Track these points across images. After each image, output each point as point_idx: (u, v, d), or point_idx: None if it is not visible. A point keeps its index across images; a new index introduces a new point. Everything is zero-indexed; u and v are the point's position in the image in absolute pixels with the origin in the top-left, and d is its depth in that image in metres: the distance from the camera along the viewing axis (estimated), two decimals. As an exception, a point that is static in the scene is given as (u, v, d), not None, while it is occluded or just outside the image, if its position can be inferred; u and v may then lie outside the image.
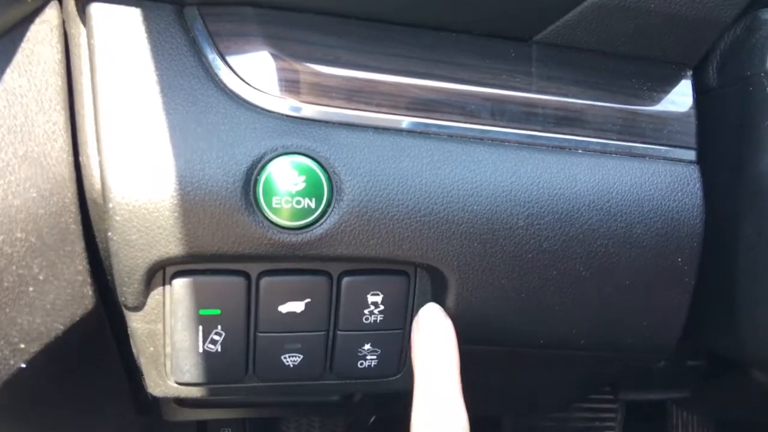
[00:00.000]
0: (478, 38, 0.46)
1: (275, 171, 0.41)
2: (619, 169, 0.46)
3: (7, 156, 0.37)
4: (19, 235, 0.38)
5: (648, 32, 0.45)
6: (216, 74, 0.42)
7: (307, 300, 0.46)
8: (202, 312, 0.45)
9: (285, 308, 0.46)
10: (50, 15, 0.41)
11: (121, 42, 0.40)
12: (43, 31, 0.41)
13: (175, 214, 0.40)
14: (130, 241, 0.40)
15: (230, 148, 0.40)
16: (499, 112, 0.45)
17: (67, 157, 0.41)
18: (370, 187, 0.42)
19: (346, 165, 0.42)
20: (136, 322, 0.45)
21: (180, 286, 0.44)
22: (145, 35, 0.41)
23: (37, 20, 0.40)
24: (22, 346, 0.40)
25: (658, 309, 0.48)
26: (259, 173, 0.41)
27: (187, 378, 0.47)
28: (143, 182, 0.39)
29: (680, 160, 0.47)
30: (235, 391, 0.50)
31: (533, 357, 0.53)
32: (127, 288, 0.43)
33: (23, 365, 0.40)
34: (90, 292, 0.45)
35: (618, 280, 0.47)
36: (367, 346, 0.48)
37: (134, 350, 0.49)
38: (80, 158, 0.42)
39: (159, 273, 0.44)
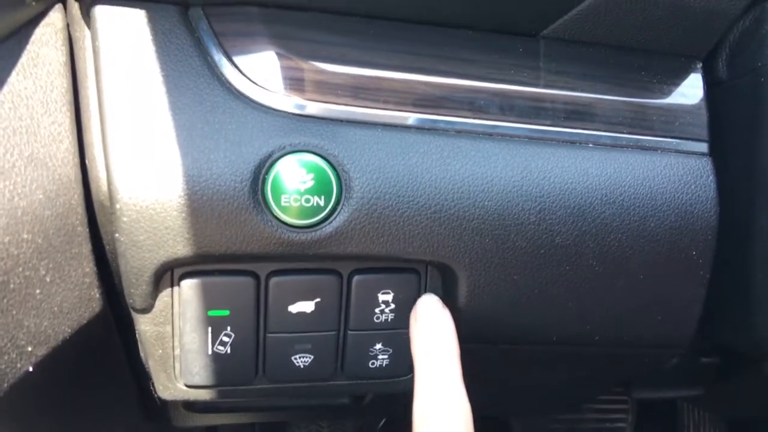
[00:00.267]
0: (485, 34, 0.46)
1: (283, 169, 0.40)
2: (630, 162, 0.46)
3: (12, 157, 0.37)
4: (25, 236, 0.37)
5: (656, 25, 0.45)
6: (222, 74, 0.41)
7: (317, 300, 0.45)
8: (211, 313, 0.44)
9: (295, 308, 0.45)
10: (54, 18, 0.41)
11: (125, 44, 0.40)
12: (48, 33, 0.40)
13: (183, 214, 0.40)
14: (138, 242, 0.40)
15: (237, 147, 0.40)
16: (507, 107, 0.45)
17: (72, 158, 0.41)
18: (379, 184, 0.42)
19: (355, 162, 0.41)
20: (144, 324, 0.45)
21: (188, 287, 0.43)
22: (150, 36, 0.41)
23: (42, 23, 0.40)
24: (29, 349, 0.40)
25: (672, 303, 0.48)
26: (267, 172, 0.40)
27: (197, 380, 0.47)
28: (150, 183, 0.39)
29: (692, 153, 0.47)
30: (245, 393, 0.50)
31: (545, 355, 0.52)
32: (134, 290, 0.42)
33: (30, 369, 0.40)
34: (97, 295, 0.45)
35: (632, 274, 0.46)
36: (378, 346, 0.48)
37: (142, 353, 0.48)
38: (86, 159, 0.42)
39: (167, 274, 0.43)
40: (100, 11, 0.40)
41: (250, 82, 0.41)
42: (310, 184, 0.41)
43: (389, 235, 0.42)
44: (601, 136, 0.46)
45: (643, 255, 0.46)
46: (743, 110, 0.47)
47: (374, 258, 0.44)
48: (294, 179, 0.41)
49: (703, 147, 0.47)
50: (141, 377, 0.57)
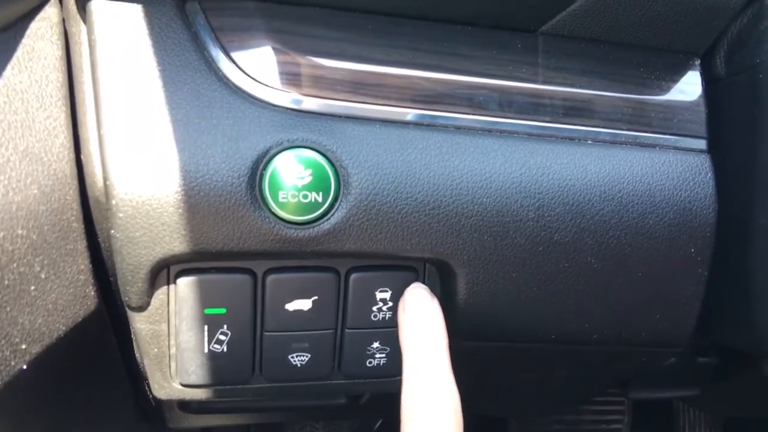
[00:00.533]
0: (483, 30, 0.45)
1: (281, 165, 0.40)
2: (629, 159, 0.45)
3: (7, 152, 0.36)
4: (20, 232, 0.37)
5: (655, 21, 0.45)
6: (219, 69, 0.41)
7: (315, 297, 0.45)
8: (208, 311, 0.44)
9: (292, 306, 0.45)
10: (50, 12, 0.41)
11: (122, 38, 0.40)
12: (43, 27, 0.40)
13: (180, 211, 0.39)
14: (134, 239, 0.40)
15: (235, 142, 0.40)
16: (506, 103, 0.44)
17: (68, 153, 0.41)
18: (378, 181, 0.41)
19: (354, 158, 0.41)
20: (139, 322, 0.45)
21: (185, 284, 0.43)
22: (147, 31, 0.40)
23: (37, 17, 0.40)
24: (24, 346, 0.39)
25: (671, 301, 0.48)
26: (264, 167, 0.40)
27: (193, 379, 0.47)
28: (146, 178, 0.39)
29: (691, 150, 0.47)
30: (242, 392, 0.49)
31: (543, 353, 0.52)
32: (130, 287, 0.42)
33: (24, 366, 0.40)
34: (92, 292, 0.44)
35: (630, 272, 0.46)
36: (375, 344, 0.48)
37: (137, 352, 0.48)
38: (81, 155, 0.41)
39: (163, 272, 0.43)
40: (95, 5, 0.40)
41: (248, 77, 0.41)
42: (308, 180, 0.40)
43: (387, 232, 0.42)
44: (599, 132, 0.46)
45: (641, 252, 0.46)
46: (742, 107, 0.47)
47: (372, 255, 0.43)
48: (292, 175, 0.40)
49: (702, 144, 0.47)
50: (136, 376, 0.57)
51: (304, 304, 0.45)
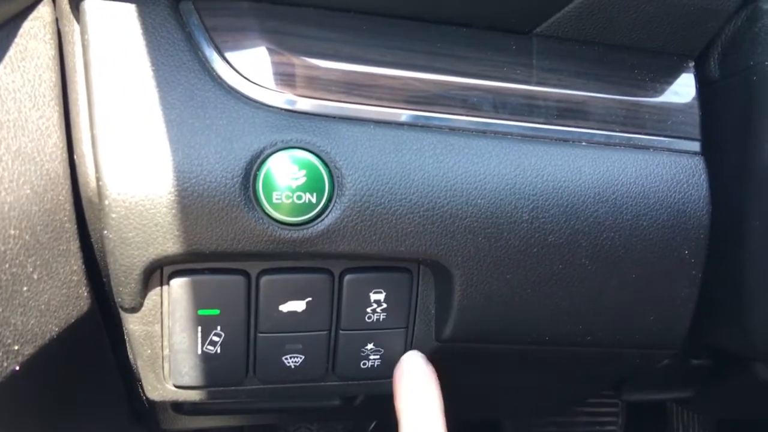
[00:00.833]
0: (478, 31, 0.46)
1: (275, 166, 0.40)
2: (623, 160, 0.45)
3: None
4: (12, 232, 0.37)
5: (649, 23, 0.45)
6: (213, 69, 0.41)
7: (309, 299, 0.45)
8: (201, 312, 0.44)
9: (286, 307, 0.45)
10: (43, 12, 0.41)
11: (115, 38, 0.40)
12: (36, 27, 0.40)
13: (173, 211, 0.39)
14: (127, 240, 0.39)
15: (228, 143, 0.40)
16: (501, 104, 0.44)
17: (61, 153, 0.40)
18: (372, 182, 0.41)
19: (348, 159, 0.41)
20: (132, 323, 0.44)
21: (178, 285, 0.43)
22: (140, 31, 0.40)
23: (30, 17, 0.40)
24: (16, 347, 0.39)
25: (665, 302, 0.48)
26: (258, 168, 0.40)
27: (186, 381, 0.46)
28: (140, 179, 0.39)
29: (685, 152, 0.47)
30: (236, 394, 0.49)
31: (538, 356, 0.52)
32: (123, 288, 0.42)
33: (16, 368, 0.39)
34: (85, 293, 0.44)
35: (624, 273, 0.46)
36: (369, 346, 0.48)
37: (131, 353, 0.48)
38: (74, 155, 0.41)
39: (156, 273, 0.43)
40: (89, 5, 0.39)
41: (242, 78, 0.41)
42: (302, 180, 0.40)
43: (381, 233, 0.42)
44: (593, 134, 0.46)
45: (635, 254, 0.46)
46: (735, 109, 0.47)
47: (366, 257, 0.43)
48: (285, 176, 0.40)
49: (696, 146, 0.47)
50: (129, 378, 0.56)
51: (298, 306, 0.45)
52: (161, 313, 0.44)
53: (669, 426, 1.14)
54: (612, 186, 0.45)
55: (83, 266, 0.43)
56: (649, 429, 1.16)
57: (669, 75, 0.48)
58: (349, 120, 0.42)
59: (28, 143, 0.38)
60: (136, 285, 0.41)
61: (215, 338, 0.45)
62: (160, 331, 0.45)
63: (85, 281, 0.44)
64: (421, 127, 0.43)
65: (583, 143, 0.46)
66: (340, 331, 0.47)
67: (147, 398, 0.49)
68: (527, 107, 0.45)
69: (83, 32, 0.40)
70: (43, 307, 0.40)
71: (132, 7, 0.40)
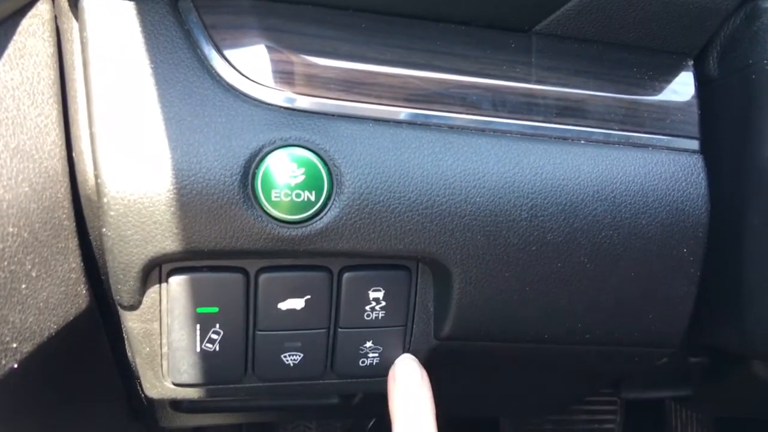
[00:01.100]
0: (477, 29, 0.45)
1: (274, 163, 0.40)
2: (622, 159, 0.45)
3: None
4: (11, 230, 0.37)
5: (648, 21, 0.45)
6: (212, 66, 0.41)
7: (307, 297, 0.45)
8: (200, 310, 0.44)
9: (285, 305, 0.45)
10: (42, 9, 0.40)
11: (114, 35, 0.39)
12: (35, 24, 0.40)
13: (172, 209, 0.39)
14: (125, 237, 0.39)
15: (227, 140, 0.40)
16: (500, 102, 0.44)
17: (59, 151, 0.40)
18: (371, 180, 0.41)
19: (346, 157, 0.41)
20: (131, 321, 0.44)
21: (177, 283, 0.43)
22: (139, 28, 0.40)
23: (29, 14, 0.40)
24: (14, 345, 0.39)
25: (663, 301, 0.48)
26: (257, 166, 0.40)
27: (185, 378, 0.46)
28: (138, 176, 0.38)
29: (683, 150, 0.47)
30: (234, 392, 0.49)
31: (536, 354, 0.52)
32: (122, 286, 0.41)
33: (15, 365, 0.39)
34: (84, 291, 0.44)
35: (623, 272, 0.46)
36: (368, 344, 0.48)
37: (129, 351, 0.48)
38: (73, 153, 0.41)
39: (155, 270, 0.43)
40: (88, 2, 0.39)
41: (241, 75, 0.41)
42: (301, 178, 0.40)
43: (380, 231, 0.42)
44: (593, 132, 0.46)
45: (634, 252, 0.46)
46: (734, 108, 0.47)
47: (365, 254, 0.43)
48: (284, 174, 0.40)
49: (694, 144, 0.47)
50: (128, 375, 0.56)
51: (297, 303, 0.45)
52: (160, 310, 0.44)
53: (667, 424, 1.14)
54: (611, 184, 0.45)
55: (82, 264, 0.43)
56: (648, 427, 1.16)
57: (668, 73, 0.48)
58: (348, 118, 0.42)
59: (27, 141, 0.38)
60: (135, 283, 0.41)
61: (214, 336, 0.45)
62: (159, 329, 0.45)
63: (84, 279, 0.44)
64: (420, 125, 0.43)
65: (582, 141, 0.46)
66: (339, 329, 0.47)
67: (145, 396, 0.49)
68: (526, 105, 0.45)
69: (82, 30, 0.40)
70: (41, 304, 0.40)
71: (131, 5, 0.40)
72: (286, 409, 0.73)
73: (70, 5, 0.41)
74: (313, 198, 0.41)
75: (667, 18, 0.45)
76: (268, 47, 0.41)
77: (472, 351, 0.50)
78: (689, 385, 0.76)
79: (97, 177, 0.39)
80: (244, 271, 0.44)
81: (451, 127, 0.44)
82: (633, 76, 0.47)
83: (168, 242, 0.40)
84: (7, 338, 0.38)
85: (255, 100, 0.41)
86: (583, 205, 0.44)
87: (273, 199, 0.40)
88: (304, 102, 0.41)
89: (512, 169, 0.44)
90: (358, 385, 0.51)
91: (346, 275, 0.45)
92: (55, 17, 0.42)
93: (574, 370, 0.60)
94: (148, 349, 0.46)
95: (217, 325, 0.45)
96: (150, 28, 0.40)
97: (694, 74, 0.48)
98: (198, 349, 0.45)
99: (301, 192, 0.40)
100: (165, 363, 0.47)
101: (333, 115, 0.42)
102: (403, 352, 0.49)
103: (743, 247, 0.47)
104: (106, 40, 0.39)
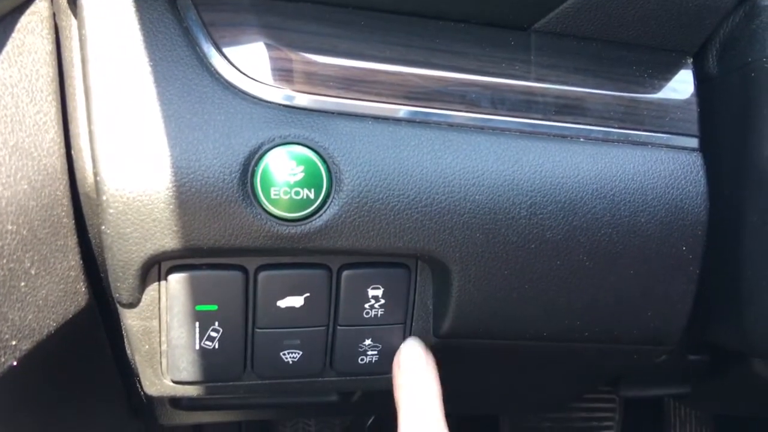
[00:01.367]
0: (477, 27, 0.45)
1: (273, 161, 0.40)
2: (621, 157, 0.45)
3: None
4: (9, 227, 0.37)
5: (648, 19, 0.45)
6: (211, 64, 0.41)
7: (307, 294, 0.45)
8: (199, 308, 0.44)
9: (284, 303, 0.45)
10: (41, 6, 0.41)
11: (113, 33, 0.39)
12: (34, 22, 0.40)
13: (171, 206, 0.39)
14: (125, 235, 0.39)
15: (226, 138, 0.40)
16: (499, 100, 0.44)
17: (58, 148, 0.40)
18: (370, 177, 0.41)
19: (346, 155, 0.41)
20: (130, 319, 0.44)
21: (176, 281, 0.43)
22: (138, 26, 0.40)
23: (28, 11, 0.40)
24: (14, 343, 0.39)
25: (662, 299, 0.48)
26: (256, 164, 0.40)
27: (184, 376, 0.46)
28: (137, 174, 0.38)
29: (683, 148, 0.47)
30: (233, 389, 0.49)
31: (535, 351, 0.52)
32: (121, 284, 0.42)
33: (14, 363, 0.39)
34: (83, 288, 0.44)
35: (622, 270, 0.46)
36: (367, 342, 0.48)
37: (128, 348, 0.48)
38: (72, 150, 0.41)
39: (154, 268, 0.43)
40: (87, 0, 0.39)
41: (240, 73, 0.41)
42: (300, 176, 0.40)
43: (380, 229, 0.42)
44: (592, 130, 0.46)
45: (633, 250, 0.46)
46: (734, 106, 0.47)
47: (364, 252, 0.43)
48: (283, 171, 0.40)
49: (694, 142, 0.47)
50: (127, 373, 0.56)
51: (296, 301, 0.45)
52: (159, 308, 0.44)
53: (666, 422, 1.14)
54: (610, 182, 0.45)
55: (81, 262, 0.43)
56: (647, 425, 1.17)
57: (667, 71, 0.48)
58: (347, 116, 0.42)
59: (26, 138, 0.38)
60: (134, 280, 0.41)
61: (213, 334, 0.45)
62: (158, 327, 0.45)
63: (83, 277, 0.44)
64: (420, 123, 0.43)
65: (581, 139, 0.45)
66: (338, 327, 0.47)
67: (145, 393, 0.49)
68: (525, 103, 0.45)
69: (81, 27, 0.40)
70: (40, 302, 0.40)
71: (130, 3, 0.40)
72: (285, 407, 0.73)
73: (68, 3, 0.41)
74: (312, 196, 0.41)
75: (666, 16, 0.45)
76: (267, 45, 0.41)
77: (471, 349, 0.50)
78: (688, 383, 0.76)
79: (96, 174, 0.39)
80: (243, 269, 0.44)
81: (450, 125, 0.44)
82: (632, 74, 0.47)
83: (167, 240, 0.40)
84: (7, 336, 0.38)
85: (254, 97, 0.41)
86: (582, 203, 0.44)
87: (272, 196, 0.40)
88: (303, 99, 0.41)
89: (511, 167, 0.44)
90: (357, 383, 0.51)
91: (345, 273, 0.45)
92: (54, 14, 0.42)
93: (573, 367, 0.60)
94: (147, 346, 0.46)
95: (217, 323, 0.45)
96: (149, 26, 0.40)
97: (693, 72, 0.48)
98: (197, 347, 0.45)
99: (300, 190, 0.40)
100: (164, 360, 0.47)
101: (332, 113, 0.42)
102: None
103: (742, 245, 0.47)
104: (104, 38, 0.39)
